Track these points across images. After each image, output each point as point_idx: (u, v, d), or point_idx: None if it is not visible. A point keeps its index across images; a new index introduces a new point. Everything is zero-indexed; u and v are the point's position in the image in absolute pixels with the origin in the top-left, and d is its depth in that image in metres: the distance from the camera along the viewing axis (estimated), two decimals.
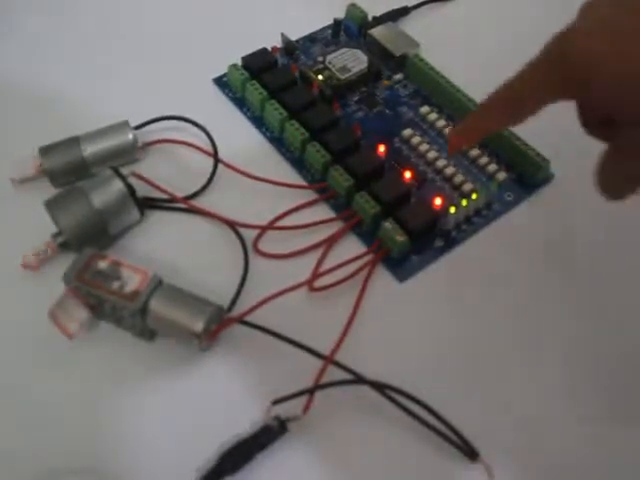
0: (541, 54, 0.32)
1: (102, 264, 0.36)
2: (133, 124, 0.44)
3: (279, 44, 0.51)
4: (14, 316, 0.38)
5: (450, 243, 0.42)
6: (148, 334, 0.37)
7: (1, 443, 0.34)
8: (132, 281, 0.36)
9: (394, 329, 0.38)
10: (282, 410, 0.34)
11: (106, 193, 0.39)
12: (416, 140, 0.45)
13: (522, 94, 0.33)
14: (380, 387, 0.34)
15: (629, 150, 0.31)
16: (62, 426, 0.35)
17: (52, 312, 0.36)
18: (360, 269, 0.40)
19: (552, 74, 0.31)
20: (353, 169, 0.42)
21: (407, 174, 0.43)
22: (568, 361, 0.37)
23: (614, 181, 0.32)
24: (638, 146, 0.31)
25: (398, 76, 0.50)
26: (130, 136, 0.43)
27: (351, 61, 0.49)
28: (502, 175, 0.44)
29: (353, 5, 0.52)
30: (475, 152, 0.45)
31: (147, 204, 0.42)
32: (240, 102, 0.48)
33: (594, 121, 0.33)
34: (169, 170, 0.44)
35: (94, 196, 0.39)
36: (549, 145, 0.44)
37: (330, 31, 0.53)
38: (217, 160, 0.44)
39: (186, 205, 0.42)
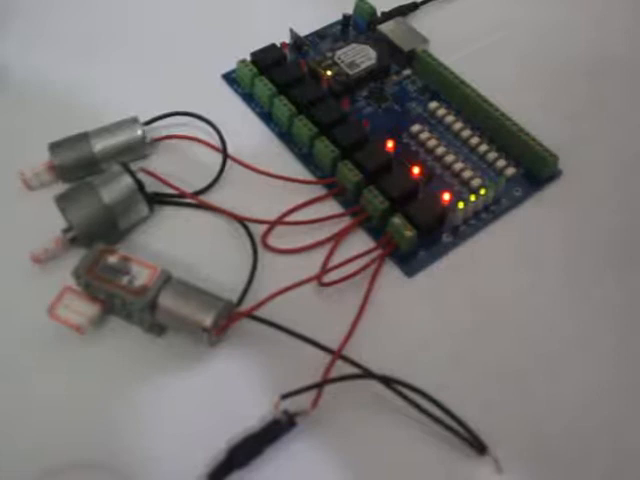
0: None
1: (112, 259, 0.37)
2: (142, 120, 0.44)
3: (288, 40, 0.51)
4: (24, 311, 0.38)
5: (458, 238, 0.42)
6: (157, 329, 0.37)
7: (6, 439, 0.34)
8: (141, 276, 0.36)
9: (402, 324, 0.38)
10: (291, 404, 0.34)
11: (115, 189, 0.39)
12: (425, 135, 0.45)
13: None
14: (388, 382, 0.34)
15: None
16: (71, 421, 0.35)
17: (52, 312, 0.36)
18: (369, 264, 0.40)
19: None
20: (362, 164, 0.42)
21: (416, 169, 0.43)
22: (576, 355, 0.37)
23: None
24: None
25: (407, 71, 0.50)
26: (139, 132, 0.43)
27: (360, 56, 0.49)
28: (510, 170, 0.44)
29: (362, 0, 0.52)
30: (484, 147, 0.45)
31: (156, 199, 0.42)
32: (249, 98, 0.48)
33: None
34: (178, 166, 0.44)
35: (104, 192, 0.39)
36: (557, 141, 0.44)
37: (339, 27, 0.53)
38: (226, 156, 0.44)
39: (195, 201, 0.42)
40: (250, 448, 0.33)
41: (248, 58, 0.48)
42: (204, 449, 0.33)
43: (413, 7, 0.54)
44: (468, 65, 0.48)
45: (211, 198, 0.43)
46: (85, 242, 0.39)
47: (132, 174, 0.40)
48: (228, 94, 0.49)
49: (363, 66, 0.48)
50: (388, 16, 0.52)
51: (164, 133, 0.45)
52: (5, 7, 0.54)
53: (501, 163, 0.44)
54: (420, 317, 0.39)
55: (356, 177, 0.42)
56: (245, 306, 0.37)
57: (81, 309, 0.36)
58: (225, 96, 0.49)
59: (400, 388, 0.34)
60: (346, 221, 0.42)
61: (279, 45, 0.49)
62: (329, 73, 0.48)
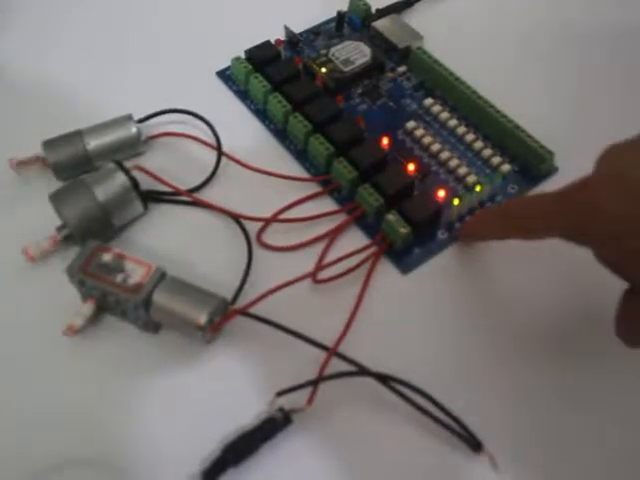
0: (557, 193, 0.32)
1: (106, 257, 0.37)
2: (136, 117, 0.44)
3: (282, 37, 0.51)
4: (17, 309, 0.38)
5: (454, 235, 0.41)
6: (152, 327, 0.37)
7: (2, 438, 0.34)
8: (136, 274, 0.36)
9: (397, 321, 0.38)
10: (286, 401, 0.34)
11: (110, 186, 0.39)
12: (420, 132, 0.45)
13: (530, 222, 0.35)
14: (384, 379, 0.34)
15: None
16: (65, 419, 0.35)
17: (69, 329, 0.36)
18: (363, 261, 0.40)
19: (558, 214, 0.32)
20: (356, 161, 0.42)
21: (411, 166, 0.43)
22: (569, 352, 0.37)
23: (631, 327, 0.32)
24: None
25: (402, 68, 0.50)
26: (134, 129, 0.43)
27: (355, 54, 0.49)
28: (506, 167, 0.44)
29: None
30: (479, 144, 0.45)
31: (151, 197, 0.42)
32: (243, 95, 0.48)
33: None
34: (173, 163, 0.44)
35: (98, 189, 0.39)
36: (553, 137, 0.44)
37: (334, 23, 0.53)
38: (221, 153, 0.44)
39: (190, 198, 0.42)
40: (245, 445, 0.33)
41: (242, 55, 0.48)
42: (198, 446, 0.33)
43: (408, 4, 0.54)
44: (463, 62, 0.48)
45: (206, 195, 0.43)
46: (79, 240, 0.39)
47: (126, 172, 0.40)
48: (223, 91, 0.49)
49: (358, 63, 0.48)
50: (383, 13, 0.52)
51: (159, 130, 0.45)
52: (2, 5, 0.53)
53: (497, 160, 0.44)
54: (415, 314, 0.39)
55: (351, 174, 0.42)
56: (240, 303, 0.37)
57: (78, 310, 0.36)
58: (220, 93, 0.49)
59: (396, 385, 0.34)
60: (341, 218, 0.42)
61: (274, 42, 0.49)
62: (324, 70, 0.48)
